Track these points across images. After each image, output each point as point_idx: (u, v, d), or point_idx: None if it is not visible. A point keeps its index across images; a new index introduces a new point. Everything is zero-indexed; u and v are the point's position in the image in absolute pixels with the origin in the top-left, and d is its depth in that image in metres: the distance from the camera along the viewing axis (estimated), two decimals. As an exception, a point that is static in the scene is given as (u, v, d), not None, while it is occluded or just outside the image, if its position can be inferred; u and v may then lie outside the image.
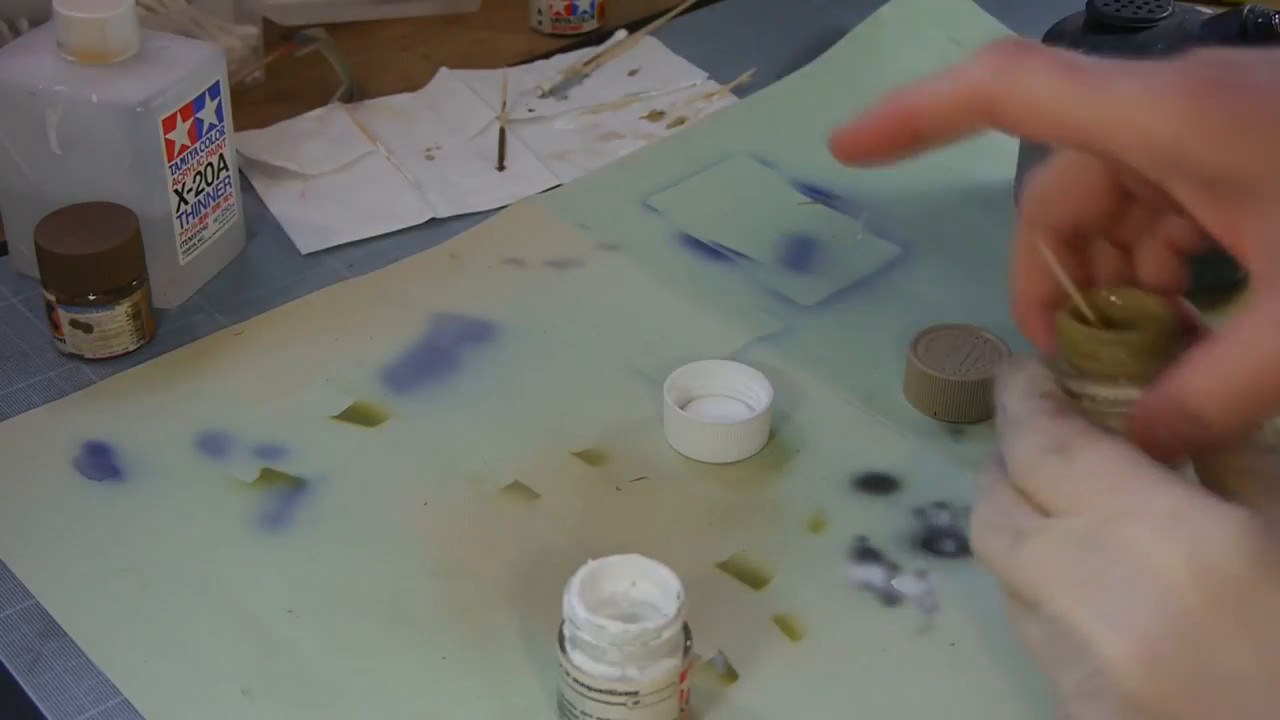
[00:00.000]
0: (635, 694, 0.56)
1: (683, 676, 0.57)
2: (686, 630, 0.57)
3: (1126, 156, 0.46)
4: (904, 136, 0.52)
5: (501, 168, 0.90)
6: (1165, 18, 0.79)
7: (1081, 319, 0.53)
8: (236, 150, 0.84)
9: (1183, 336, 0.52)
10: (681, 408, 0.72)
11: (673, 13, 1.05)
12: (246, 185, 0.88)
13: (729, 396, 0.73)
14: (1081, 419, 0.49)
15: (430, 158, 0.91)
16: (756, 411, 0.71)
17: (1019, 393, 0.51)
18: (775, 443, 0.72)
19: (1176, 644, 0.44)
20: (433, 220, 0.86)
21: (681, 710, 0.58)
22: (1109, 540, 0.46)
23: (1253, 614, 0.44)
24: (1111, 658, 0.45)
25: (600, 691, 0.56)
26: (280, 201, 0.87)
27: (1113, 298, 0.55)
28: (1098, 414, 0.51)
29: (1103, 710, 0.45)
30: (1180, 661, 0.44)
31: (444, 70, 0.98)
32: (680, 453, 0.71)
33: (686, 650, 0.57)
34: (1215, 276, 0.81)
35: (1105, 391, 0.51)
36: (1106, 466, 0.47)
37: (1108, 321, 0.53)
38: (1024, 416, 0.50)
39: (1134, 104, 0.46)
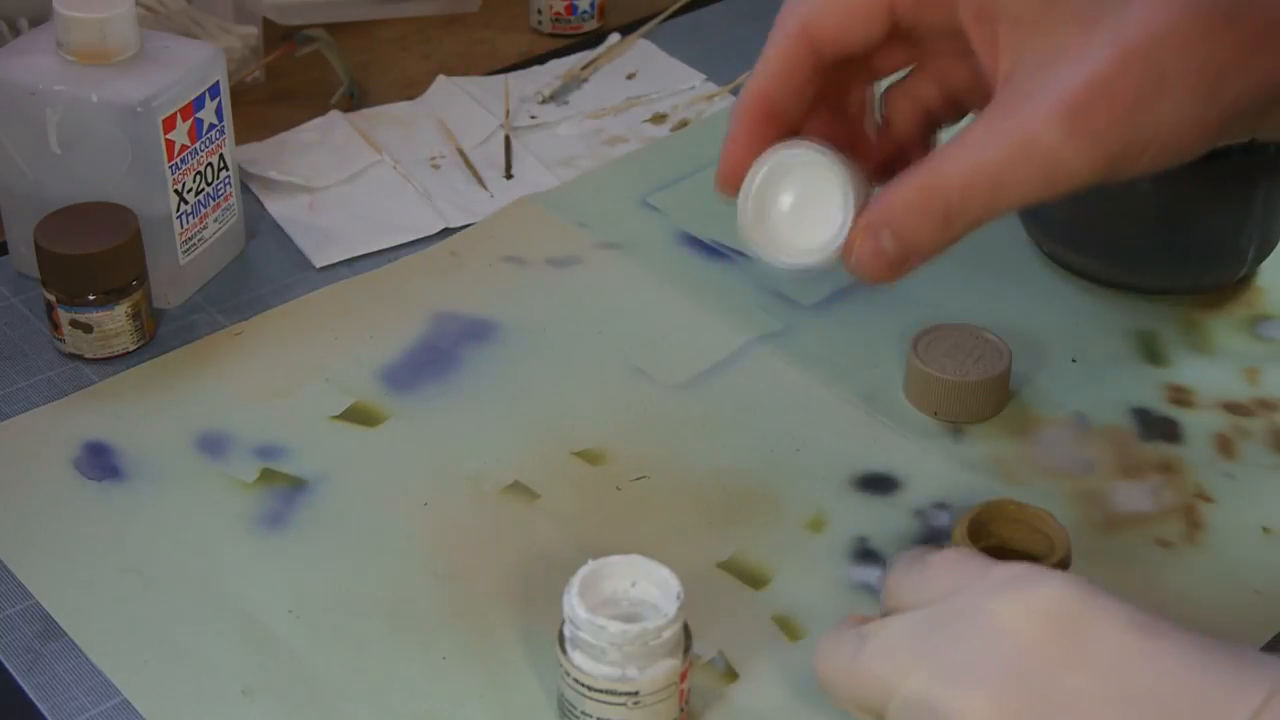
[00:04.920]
0: (635, 694, 0.56)
1: (683, 676, 0.57)
2: (686, 630, 0.57)
3: None
4: (767, 119, 0.58)
5: (509, 176, 0.90)
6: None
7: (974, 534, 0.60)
8: (240, 166, 0.84)
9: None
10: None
11: (662, 15, 1.05)
12: (246, 186, 0.88)
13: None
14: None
15: (436, 167, 0.91)
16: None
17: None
18: (777, 442, 0.72)
19: (1026, 685, 0.48)
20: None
21: (681, 710, 0.58)
22: (954, 613, 0.50)
23: (1087, 645, 0.47)
24: (971, 713, 0.48)
25: (600, 691, 0.56)
26: (289, 215, 0.86)
27: (1011, 507, 0.61)
28: None
29: None
30: (1032, 699, 0.47)
31: (442, 78, 0.98)
32: None
33: (686, 650, 0.57)
34: (1216, 277, 0.81)
35: None
36: (953, 561, 0.52)
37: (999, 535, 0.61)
38: (897, 559, 0.56)
39: None
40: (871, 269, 0.54)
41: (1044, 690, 0.47)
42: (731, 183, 0.58)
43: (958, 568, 0.52)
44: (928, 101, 0.59)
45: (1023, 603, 0.48)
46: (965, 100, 0.58)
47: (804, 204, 0.57)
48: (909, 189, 0.53)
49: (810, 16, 0.55)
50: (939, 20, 0.53)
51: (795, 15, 0.55)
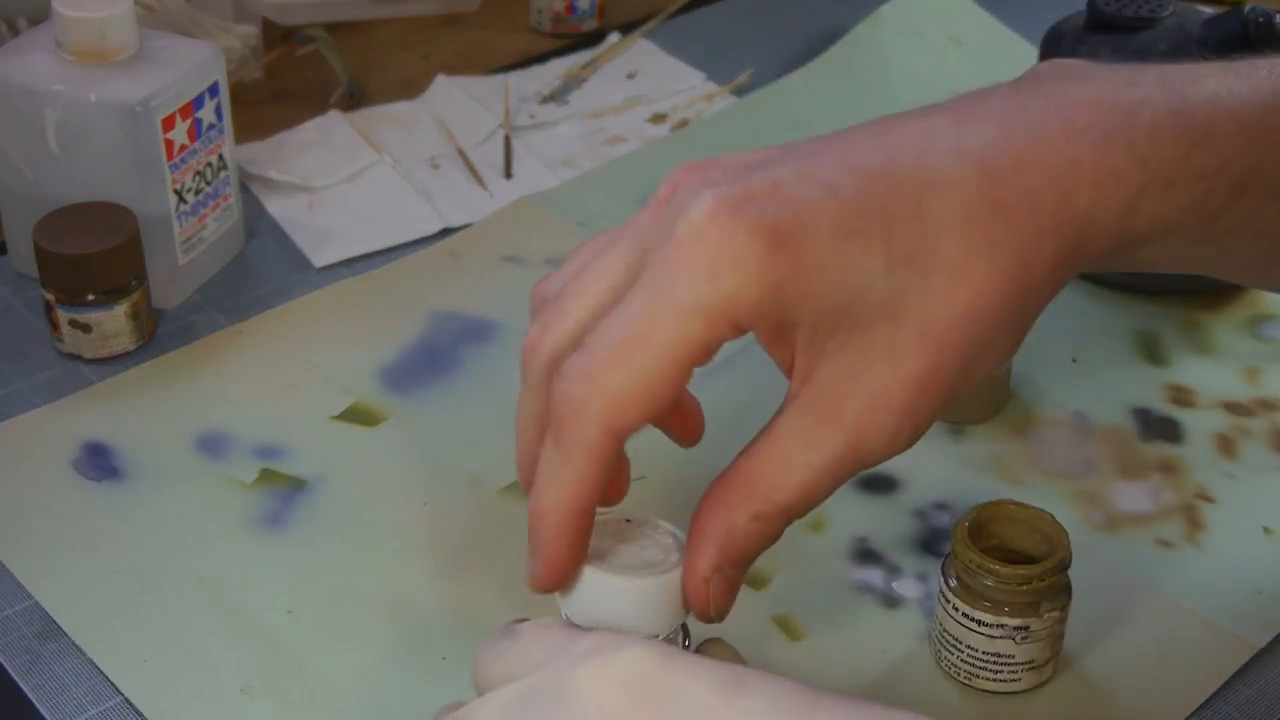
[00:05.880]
0: None
1: None
2: (685, 632, 0.57)
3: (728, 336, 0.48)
4: (579, 534, 0.51)
5: (509, 176, 0.90)
6: (1166, 17, 0.79)
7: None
8: (239, 165, 0.84)
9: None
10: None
11: (662, 15, 1.04)
12: (245, 185, 0.87)
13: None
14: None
15: (436, 167, 0.91)
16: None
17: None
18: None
19: None
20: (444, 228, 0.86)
21: None
22: (540, 689, 0.46)
23: (670, 710, 0.44)
24: None
25: None
26: (288, 214, 0.86)
27: (1011, 507, 0.61)
28: None
29: None
30: None
31: (441, 77, 0.98)
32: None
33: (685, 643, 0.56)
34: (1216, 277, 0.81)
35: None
36: (541, 631, 0.49)
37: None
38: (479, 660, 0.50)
39: (722, 297, 0.47)
40: (727, 606, 0.52)
41: None
42: (554, 589, 0.52)
43: (546, 638, 0.49)
44: None
45: (603, 671, 0.45)
46: None
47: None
48: (743, 519, 0.50)
49: (612, 418, 0.49)
50: (730, 339, 0.50)
51: (591, 420, 0.49)
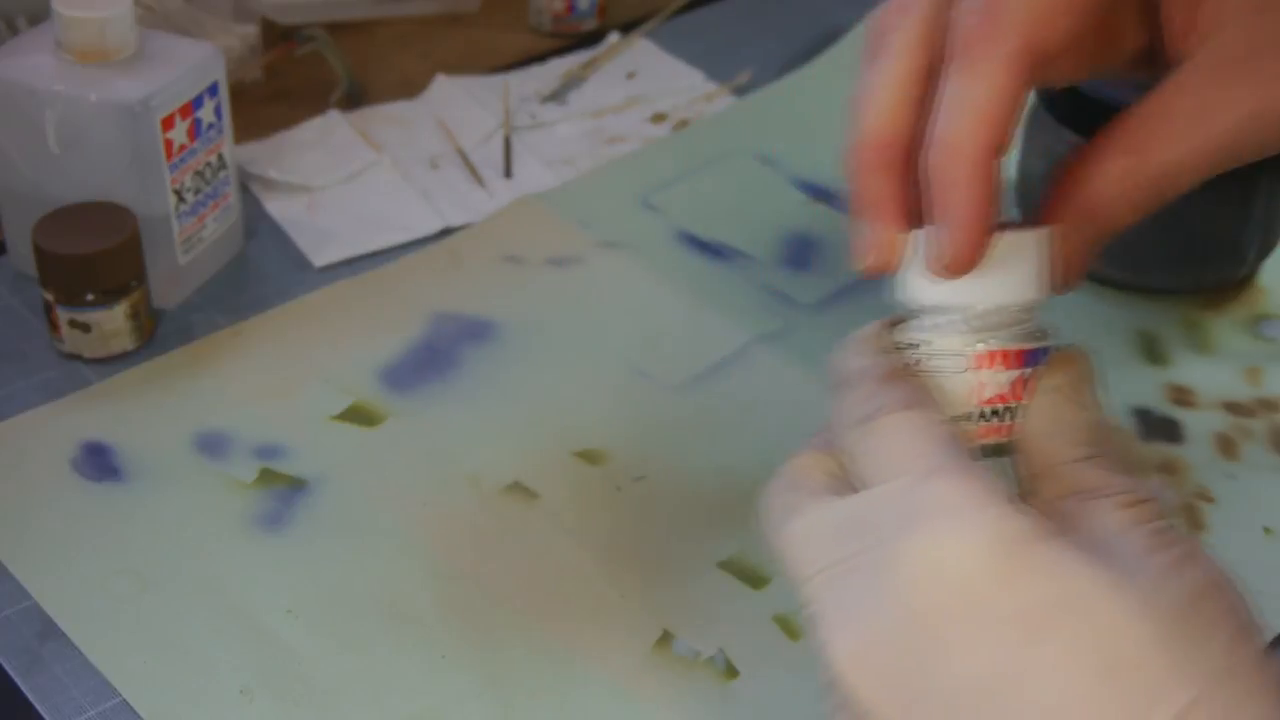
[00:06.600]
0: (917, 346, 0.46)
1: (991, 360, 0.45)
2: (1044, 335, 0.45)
3: None
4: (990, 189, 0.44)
5: (509, 175, 0.90)
6: (1166, 17, 0.79)
7: None
8: (239, 165, 0.84)
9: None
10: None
11: (662, 15, 1.04)
12: (245, 185, 0.87)
13: None
14: (906, 385, 0.45)
15: (435, 167, 0.91)
16: None
17: (852, 350, 0.46)
18: (777, 442, 0.72)
19: (896, 649, 0.40)
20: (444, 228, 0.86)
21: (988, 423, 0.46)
22: (869, 524, 0.42)
23: (981, 625, 0.40)
24: (833, 656, 0.41)
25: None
26: (288, 214, 0.86)
27: None
28: (930, 367, 0.46)
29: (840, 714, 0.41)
30: (898, 669, 0.40)
31: (441, 77, 0.98)
32: None
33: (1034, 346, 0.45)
34: (1217, 276, 0.81)
35: (942, 340, 0.46)
36: (898, 443, 0.43)
37: None
38: (850, 378, 0.46)
39: None
40: (1078, 272, 0.45)
41: (922, 664, 0.40)
42: (979, 252, 0.44)
43: (896, 451, 0.42)
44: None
45: (927, 551, 0.39)
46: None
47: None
48: (1112, 171, 0.44)
49: (1035, 24, 0.43)
50: None
51: (1010, 30, 0.43)
